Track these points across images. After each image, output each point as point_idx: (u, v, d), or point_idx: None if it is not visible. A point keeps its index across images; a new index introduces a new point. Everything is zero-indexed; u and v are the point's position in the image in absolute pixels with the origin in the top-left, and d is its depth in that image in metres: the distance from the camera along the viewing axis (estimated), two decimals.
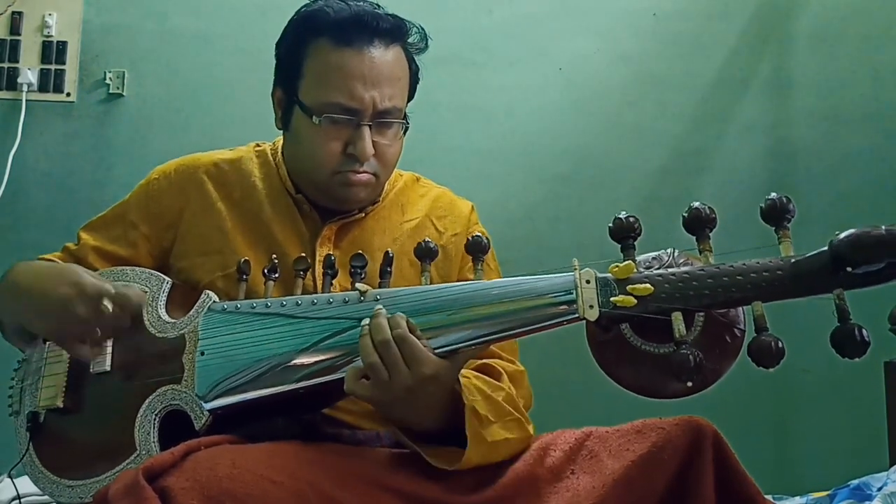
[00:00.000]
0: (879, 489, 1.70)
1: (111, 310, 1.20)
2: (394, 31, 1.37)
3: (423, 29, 1.42)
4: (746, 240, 1.04)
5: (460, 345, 1.13)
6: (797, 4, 2.75)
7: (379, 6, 1.39)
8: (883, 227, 0.94)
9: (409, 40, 1.40)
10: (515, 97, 2.75)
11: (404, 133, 1.40)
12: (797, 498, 1.90)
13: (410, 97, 1.43)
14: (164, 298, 1.30)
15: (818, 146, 2.69)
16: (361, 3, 1.37)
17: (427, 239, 1.23)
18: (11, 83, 2.73)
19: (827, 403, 2.56)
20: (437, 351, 1.12)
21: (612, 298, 1.06)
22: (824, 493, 1.83)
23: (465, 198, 1.55)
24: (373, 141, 1.34)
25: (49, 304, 1.23)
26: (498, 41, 2.77)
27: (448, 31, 2.47)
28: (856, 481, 1.78)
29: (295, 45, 1.38)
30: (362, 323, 1.13)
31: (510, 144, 2.74)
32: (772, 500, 1.36)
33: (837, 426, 2.54)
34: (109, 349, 1.29)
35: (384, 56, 1.34)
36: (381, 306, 1.14)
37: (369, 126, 1.34)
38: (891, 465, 1.83)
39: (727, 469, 1.13)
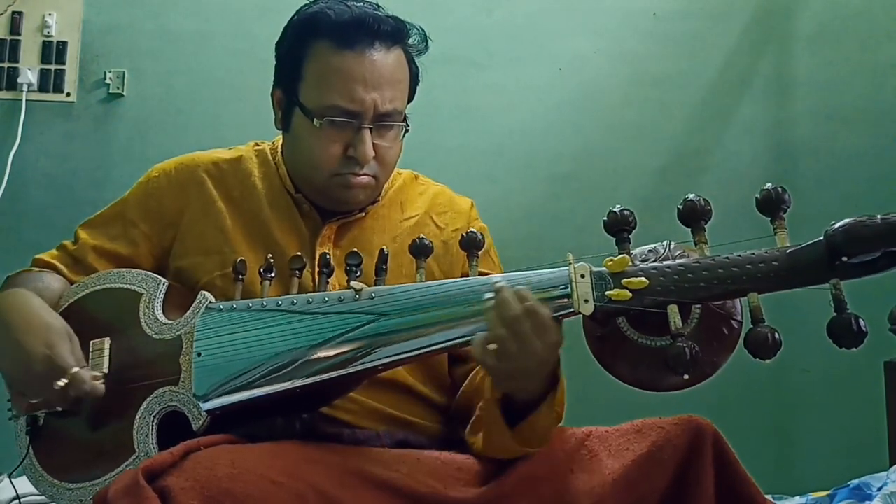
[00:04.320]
0: (879, 489, 1.70)
1: (59, 388, 1.19)
2: (395, 33, 1.36)
3: (423, 30, 1.41)
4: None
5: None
6: (797, 4, 2.75)
7: (379, 7, 1.38)
8: (878, 217, 0.95)
9: (410, 42, 1.39)
10: (515, 97, 2.75)
11: (404, 135, 1.40)
12: (797, 498, 1.90)
13: (410, 99, 1.42)
14: (161, 300, 1.30)
15: (818, 146, 2.69)
16: (362, 5, 1.36)
17: (421, 236, 1.23)
18: (11, 83, 2.73)
19: (827, 403, 2.56)
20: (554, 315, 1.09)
21: (607, 292, 1.06)
22: (824, 493, 1.84)
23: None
24: (373, 143, 1.34)
25: (18, 351, 1.24)
26: (498, 41, 2.77)
27: (448, 32, 2.47)
28: (856, 481, 1.78)
29: (295, 47, 1.37)
30: (485, 297, 1.10)
31: (510, 144, 2.73)
32: (772, 500, 1.36)
33: (837, 426, 2.53)
34: (108, 352, 1.28)
35: (385, 59, 1.34)
36: (503, 281, 1.10)
37: (370, 129, 1.33)
38: (891, 465, 1.83)
39: (727, 469, 1.13)
